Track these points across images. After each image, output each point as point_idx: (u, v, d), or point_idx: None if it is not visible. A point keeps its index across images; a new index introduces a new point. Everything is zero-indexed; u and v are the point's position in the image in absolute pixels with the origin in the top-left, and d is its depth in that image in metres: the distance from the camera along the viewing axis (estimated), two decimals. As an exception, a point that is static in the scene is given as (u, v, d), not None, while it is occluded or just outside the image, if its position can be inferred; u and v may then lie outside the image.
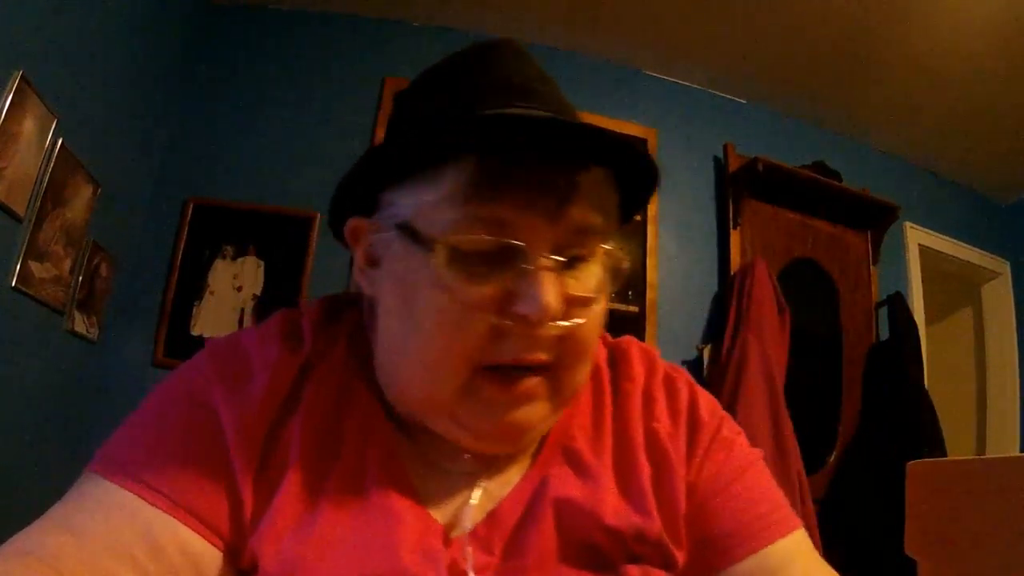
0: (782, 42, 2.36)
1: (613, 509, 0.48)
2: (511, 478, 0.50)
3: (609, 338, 0.60)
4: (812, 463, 2.20)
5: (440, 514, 0.47)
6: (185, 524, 0.42)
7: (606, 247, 0.47)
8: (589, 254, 0.46)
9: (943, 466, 0.67)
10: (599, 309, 0.47)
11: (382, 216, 0.48)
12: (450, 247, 0.42)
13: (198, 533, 0.43)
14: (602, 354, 0.58)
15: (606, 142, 0.44)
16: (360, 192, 0.49)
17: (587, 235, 0.45)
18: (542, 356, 0.44)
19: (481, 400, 0.45)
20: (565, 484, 0.49)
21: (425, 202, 0.44)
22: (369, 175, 0.48)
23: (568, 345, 0.45)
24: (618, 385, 0.56)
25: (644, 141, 2.39)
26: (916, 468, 0.68)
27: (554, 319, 0.42)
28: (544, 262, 0.42)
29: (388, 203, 0.47)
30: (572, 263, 0.45)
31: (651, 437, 0.52)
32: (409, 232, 0.44)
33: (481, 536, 0.46)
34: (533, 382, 0.45)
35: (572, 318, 0.44)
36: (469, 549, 0.45)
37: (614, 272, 0.48)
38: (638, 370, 0.56)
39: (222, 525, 0.44)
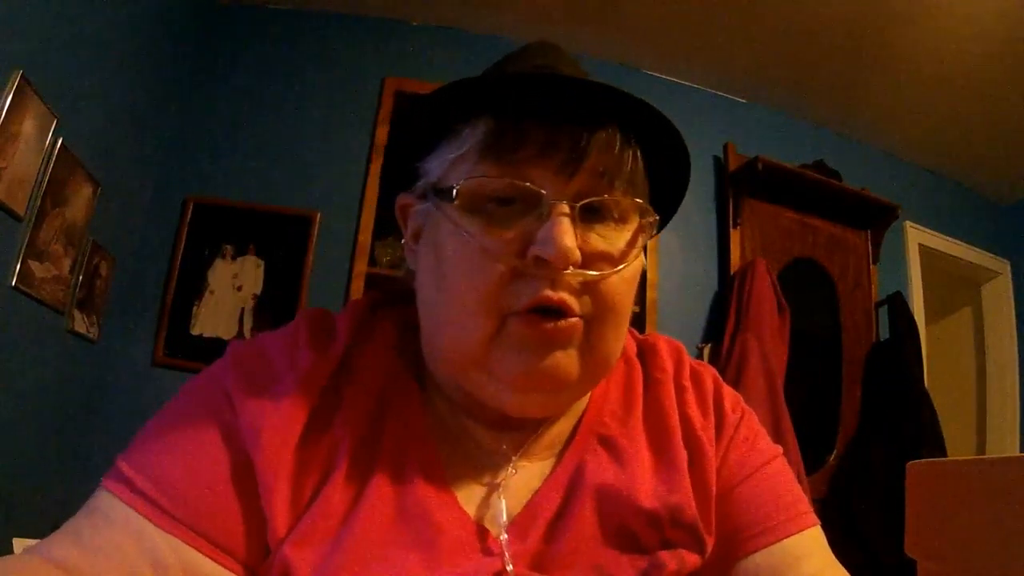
0: (782, 42, 2.36)
1: (650, 492, 0.48)
2: (546, 465, 0.51)
3: (637, 334, 0.61)
4: (812, 463, 2.20)
5: (478, 510, 0.48)
6: (190, 545, 0.42)
7: (639, 200, 0.47)
8: (617, 209, 0.46)
9: (943, 466, 0.67)
10: (629, 271, 0.47)
11: (419, 186, 0.50)
12: (467, 191, 0.44)
13: (204, 553, 0.42)
14: (632, 348, 0.59)
15: (616, 99, 0.44)
16: (400, 168, 0.51)
17: (610, 183, 0.45)
18: (565, 297, 0.44)
19: (512, 342, 0.44)
20: (602, 469, 0.49)
21: (448, 159, 0.47)
22: (401, 149, 0.50)
23: (596, 298, 0.45)
24: (649, 375, 0.56)
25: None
26: (916, 468, 0.68)
27: (573, 263, 0.43)
28: (561, 207, 0.43)
29: (423, 172, 0.50)
30: (598, 217, 0.46)
31: (686, 423, 0.53)
32: (435, 190, 0.47)
33: (520, 524, 0.47)
34: (565, 323, 0.44)
35: (596, 268, 0.44)
36: (505, 544, 0.45)
37: (647, 229, 0.49)
38: (667, 363, 0.57)
39: (234, 543, 0.43)
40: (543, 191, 0.43)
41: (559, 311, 0.44)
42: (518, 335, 0.44)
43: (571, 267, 0.43)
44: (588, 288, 0.45)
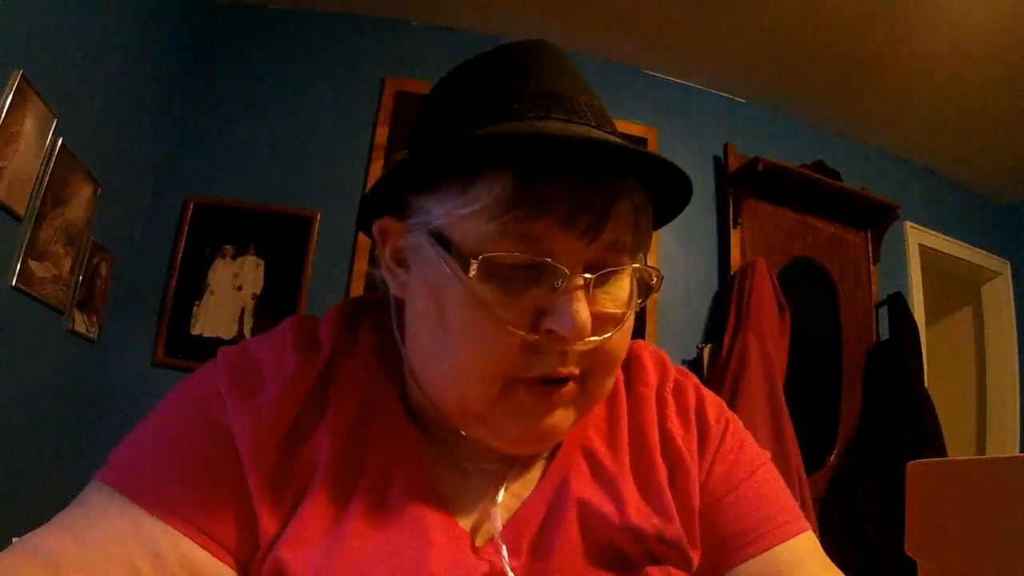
0: (782, 42, 2.35)
1: (635, 510, 0.48)
2: (531, 478, 0.51)
3: None
4: (812, 463, 2.21)
5: (465, 518, 0.48)
6: (187, 536, 0.42)
7: (636, 265, 0.47)
8: (620, 270, 0.46)
9: (943, 466, 0.67)
10: (628, 323, 0.47)
11: (412, 220, 0.47)
12: (485, 262, 0.42)
13: (201, 545, 0.42)
14: None
15: (647, 162, 0.43)
16: (390, 193, 0.49)
17: (620, 253, 0.45)
18: (574, 369, 0.44)
19: (516, 405, 0.45)
20: (586, 484, 0.50)
21: (459, 212, 0.43)
22: (399, 177, 0.47)
23: (598, 357, 0.45)
24: (632, 389, 0.56)
25: (644, 140, 2.40)
26: (916, 468, 0.67)
27: (587, 337, 0.42)
28: (577, 280, 0.42)
29: (418, 207, 0.46)
30: (603, 279, 0.44)
31: (666, 438, 0.53)
32: (442, 241, 0.44)
33: (507, 537, 0.47)
34: (568, 389, 0.45)
35: (603, 332, 0.44)
36: (504, 548, 0.45)
37: (644, 287, 0.48)
38: (651, 375, 0.57)
39: (228, 538, 0.43)
40: (562, 264, 0.42)
41: (565, 379, 0.44)
42: (524, 401, 0.44)
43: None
44: (593, 349, 0.44)
